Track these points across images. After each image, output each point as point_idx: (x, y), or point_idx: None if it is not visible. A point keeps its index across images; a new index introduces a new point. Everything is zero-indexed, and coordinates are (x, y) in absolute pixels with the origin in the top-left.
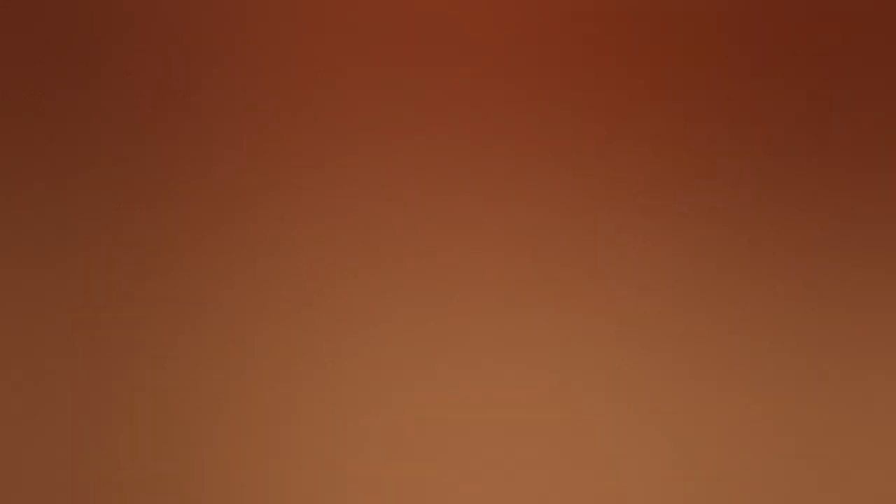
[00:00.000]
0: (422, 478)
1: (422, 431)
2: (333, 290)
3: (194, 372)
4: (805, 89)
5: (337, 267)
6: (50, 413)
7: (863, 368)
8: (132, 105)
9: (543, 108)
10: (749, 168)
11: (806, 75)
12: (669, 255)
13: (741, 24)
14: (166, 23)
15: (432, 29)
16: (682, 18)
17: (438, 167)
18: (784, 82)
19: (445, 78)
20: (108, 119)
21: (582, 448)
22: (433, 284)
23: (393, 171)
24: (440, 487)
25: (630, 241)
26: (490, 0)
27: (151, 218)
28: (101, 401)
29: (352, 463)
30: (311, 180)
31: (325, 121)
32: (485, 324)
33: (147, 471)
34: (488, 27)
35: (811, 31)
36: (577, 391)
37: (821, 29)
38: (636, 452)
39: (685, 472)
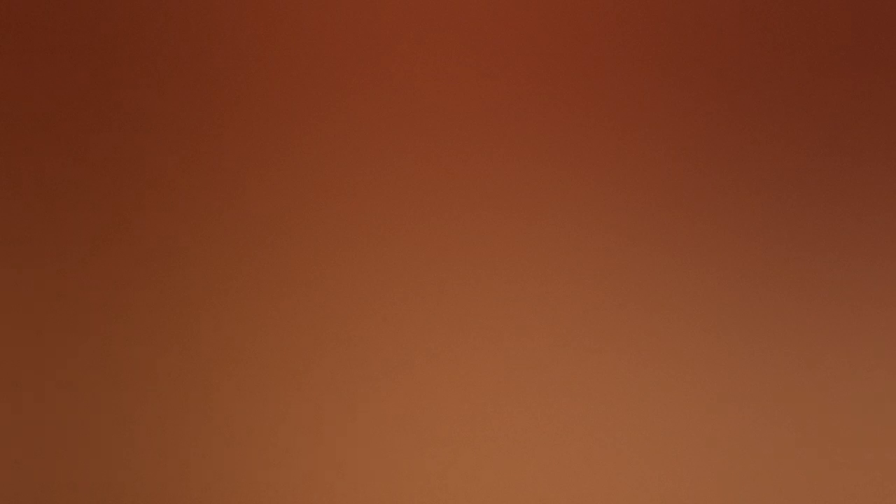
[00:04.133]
0: (433, 477)
1: (430, 426)
2: (336, 290)
3: (195, 372)
4: (812, 91)
5: (340, 267)
6: (51, 414)
7: (871, 368)
8: (133, 105)
9: (547, 109)
10: (753, 170)
11: (810, 76)
12: (675, 258)
13: (747, 25)
14: (167, 23)
15: (433, 29)
16: (690, 18)
17: (440, 168)
18: (792, 85)
19: (446, 78)
20: (109, 120)
21: (582, 448)
22: (436, 284)
23: (394, 171)
24: (448, 488)
25: (632, 242)
26: (490, 0)
27: (151, 218)
28: (102, 401)
29: (354, 464)
30: (311, 180)
31: (326, 120)
32: (488, 325)
33: (147, 472)
34: (489, 27)
35: (816, 32)
36: (581, 392)
37: (826, 29)
38: (636, 453)
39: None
